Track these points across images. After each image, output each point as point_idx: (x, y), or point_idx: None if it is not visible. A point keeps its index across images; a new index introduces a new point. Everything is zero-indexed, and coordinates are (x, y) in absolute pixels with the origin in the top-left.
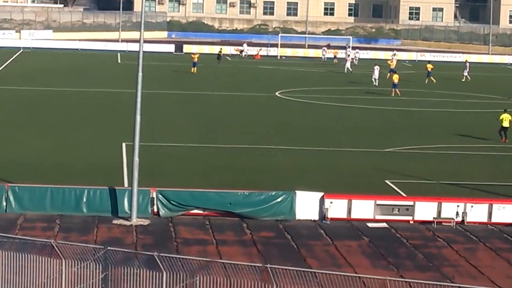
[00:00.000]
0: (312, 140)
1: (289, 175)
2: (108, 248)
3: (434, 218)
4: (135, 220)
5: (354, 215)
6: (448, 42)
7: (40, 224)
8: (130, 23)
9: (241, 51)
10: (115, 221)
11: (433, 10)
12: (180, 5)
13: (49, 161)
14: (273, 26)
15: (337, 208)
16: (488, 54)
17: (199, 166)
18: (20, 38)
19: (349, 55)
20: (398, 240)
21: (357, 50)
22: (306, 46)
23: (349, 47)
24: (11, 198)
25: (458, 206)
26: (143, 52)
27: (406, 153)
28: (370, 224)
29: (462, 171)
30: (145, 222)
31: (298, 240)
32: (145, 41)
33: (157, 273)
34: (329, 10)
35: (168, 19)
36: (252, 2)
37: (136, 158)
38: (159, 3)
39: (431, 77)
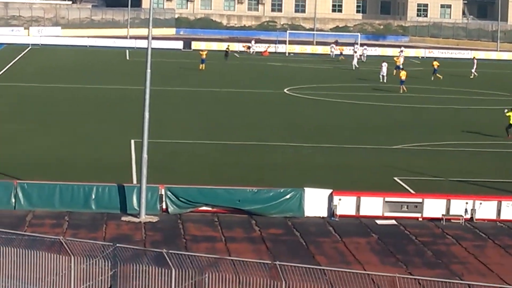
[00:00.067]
0: (321, 137)
1: (298, 172)
2: (117, 245)
3: (443, 215)
4: (144, 217)
5: (363, 212)
6: (456, 39)
7: (49, 221)
8: (138, 20)
9: (249, 48)
10: (124, 218)
11: (441, 7)
12: (188, 2)
13: (58, 158)
14: (281, 23)
15: (345, 205)
16: (497, 51)
17: (208, 163)
18: (28, 35)
19: (356, 52)
20: (407, 237)
21: (365, 47)
22: (314, 43)
23: (357, 43)
24: (20, 195)
25: (467, 203)
26: (152, 49)
27: (415, 150)
28: (378, 221)
29: (471, 168)
30: (154, 219)
31: (306, 237)
32: (153, 38)
33: (166, 270)
34: (337, 6)
35: (176, 16)
36: None
37: (145, 155)
38: (167, 0)
39: (437, 74)
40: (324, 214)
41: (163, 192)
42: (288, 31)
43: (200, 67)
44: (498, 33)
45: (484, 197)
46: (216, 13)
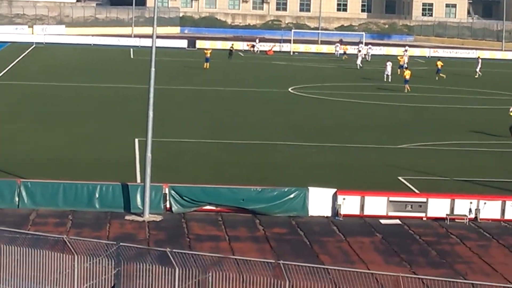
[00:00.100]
0: (325, 136)
1: (302, 171)
2: (121, 244)
3: (447, 214)
4: (147, 216)
5: (367, 211)
6: (461, 38)
7: (53, 220)
8: (143, 18)
9: (253, 46)
10: (127, 217)
11: (446, 6)
12: (193, 1)
13: (62, 156)
14: (286, 22)
15: (350, 205)
16: (501, 50)
17: (212, 162)
18: (32, 33)
19: (360, 51)
20: (411, 236)
21: (369, 46)
22: (319, 42)
23: (361, 42)
24: (24, 193)
25: (471, 203)
26: (156, 47)
27: (419, 150)
28: (383, 221)
29: (475, 168)
30: (158, 218)
31: (310, 236)
32: (157, 37)
33: (170, 269)
34: (342, 6)
35: (181, 15)
36: None
37: (149, 154)
38: None
39: (440, 74)
40: (328, 213)
41: (167, 191)
42: (292, 30)
43: (205, 66)
44: (503, 32)
45: (488, 197)
46: (221, 11)
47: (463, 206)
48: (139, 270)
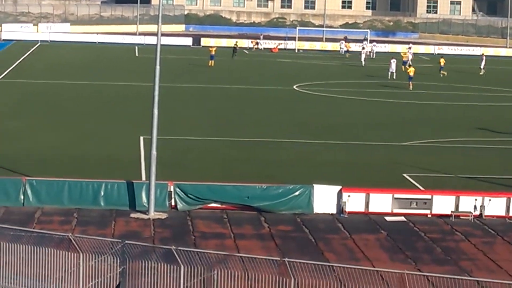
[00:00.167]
0: (330, 133)
1: (307, 168)
2: (126, 241)
3: (452, 211)
4: (152, 214)
5: (372, 208)
6: (465, 35)
7: (58, 218)
8: (147, 16)
9: (257, 43)
10: (132, 215)
11: (451, 4)
12: None
13: (66, 154)
14: (291, 20)
15: (355, 202)
16: (506, 47)
17: (217, 160)
18: (37, 31)
19: (364, 48)
20: (416, 233)
21: (374, 43)
22: (324, 39)
23: (366, 40)
24: (29, 191)
25: (476, 199)
26: (161, 45)
27: (424, 147)
28: (388, 218)
29: (480, 165)
30: (163, 215)
31: (316, 233)
32: (162, 35)
33: (175, 267)
34: (346, 3)
35: (185, 12)
36: None
37: (154, 152)
38: None
39: (442, 71)
40: (333, 210)
41: (172, 189)
42: (297, 28)
43: (209, 64)
44: (508, 29)
45: (493, 194)
46: (226, 9)
47: (468, 203)
48: (144, 268)
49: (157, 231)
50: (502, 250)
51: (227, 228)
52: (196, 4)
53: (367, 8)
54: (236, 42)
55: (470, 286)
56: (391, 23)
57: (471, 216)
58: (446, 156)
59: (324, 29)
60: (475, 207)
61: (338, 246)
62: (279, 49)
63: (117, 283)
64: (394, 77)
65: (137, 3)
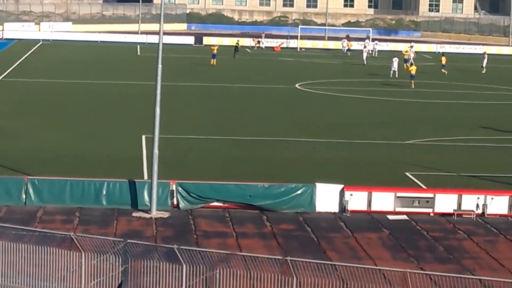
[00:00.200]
0: (332, 132)
1: (309, 167)
2: (128, 240)
3: (454, 210)
4: (154, 213)
5: (374, 207)
6: (468, 34)
7: (60, 217)
8: (149, 15)
9: (259, 42)
10: (134, 214)
11: (453, 2)
12: None
13: (68, 153)
14: (293, 18)
15: (357, 201)
16: (508, 45)
17: (219, 159)
18: (39, 30)
19: (365, 47)
20: (418, 232)
21: (376, 42)
22: (326, 38)
23: (368, 38)
24: (31, 191)
25: (478, 198)
26: (163, 44)
27: (426, 145)
28: (390, 217)
29: (482, 163)
30: (165, 214)
31: (318, 232)
32: (164, 33)
33: (177, 266)
34: (349, 2)
35: (187, 11)
36: None
37: (156, 151)
38: None
39: (442, 69)
40: (336, 209)
41: (174, 188)
42: (299, 26)
43: (212, 63)
44: (510, 28)
45: (495, 192)
46: (228, 8)
47: (471, 202)
48: (147, 267)
49: (159, 230)
50: (504, 248)
51: (229, 227)
52: (198, 3)
53: (369, 6)
54: (238, 40)
55: (473, 284)
56: (393, 22)
57: (473, 215)
58: (448, 154)
59: (326, 27)
60: (477, 206)
61: (340, 244)
62: (281, 47)
63: (119, 282)
64: (396, 76)
65: (139, 2)
